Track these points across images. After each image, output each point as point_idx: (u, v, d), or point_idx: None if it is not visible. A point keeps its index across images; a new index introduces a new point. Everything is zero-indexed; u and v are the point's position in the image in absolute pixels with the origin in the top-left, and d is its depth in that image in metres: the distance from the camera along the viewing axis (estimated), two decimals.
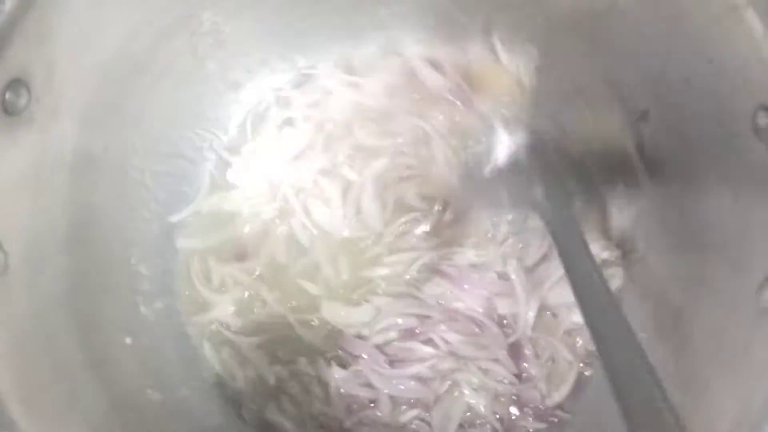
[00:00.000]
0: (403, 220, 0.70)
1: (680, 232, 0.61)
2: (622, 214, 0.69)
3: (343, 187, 0.71)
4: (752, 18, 0.49)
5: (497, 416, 0.66)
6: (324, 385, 0.66)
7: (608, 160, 0.69)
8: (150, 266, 0.67)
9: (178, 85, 0.69)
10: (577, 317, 0.66)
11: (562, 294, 0.66)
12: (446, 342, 0.66)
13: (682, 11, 0.55)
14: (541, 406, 0.66)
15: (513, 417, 0.66)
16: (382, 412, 0.65)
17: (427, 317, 0.67)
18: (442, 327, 0.66)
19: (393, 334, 0.67)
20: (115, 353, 0.61)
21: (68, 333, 0.55)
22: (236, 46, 0.72)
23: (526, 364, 0.67)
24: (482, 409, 0.65)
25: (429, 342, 0.66)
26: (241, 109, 0.76)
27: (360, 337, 0.67)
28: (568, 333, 0.68)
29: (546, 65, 0.71)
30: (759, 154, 0.50)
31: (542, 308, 0.67)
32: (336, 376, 0.66)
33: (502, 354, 0.66)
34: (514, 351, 0.67)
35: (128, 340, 0.62)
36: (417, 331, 0.67)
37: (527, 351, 0.67)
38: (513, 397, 0.66)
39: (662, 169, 0.63)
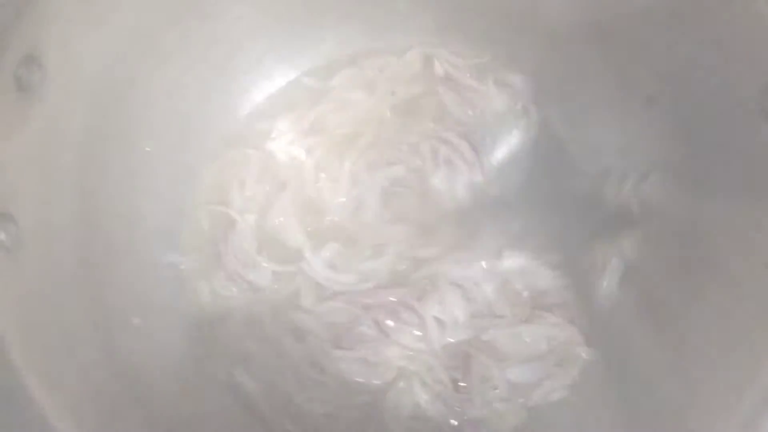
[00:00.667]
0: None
1: (688, 216, 0.61)
2: (627, 197, 0.69)
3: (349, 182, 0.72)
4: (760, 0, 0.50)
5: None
6: (280, 354, 0.65)
7: (615, 144, 0.70)
8: (160, 243, 0.67)
9: (185, 69, 0.69)
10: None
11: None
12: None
13: None
14: None
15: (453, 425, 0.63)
16: (331, 391, 0.64)
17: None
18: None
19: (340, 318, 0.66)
20: (123, 332, 0.61)
21: (79, 311, 0.55)
22: (244, 32, 0.73)
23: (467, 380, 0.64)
24: (424, 405, 0.64)
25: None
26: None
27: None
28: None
29: (550, 50, 0.72)
30: (766, 136, 0.51)
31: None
32: (287, 344, 0.65)
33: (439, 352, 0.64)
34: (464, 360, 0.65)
35: (136, 321, 0.62)
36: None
37: (475, 366, 0.64)
38: (456, 407, 0.64)
39: (669, 152, 0.63)
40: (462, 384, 0.64)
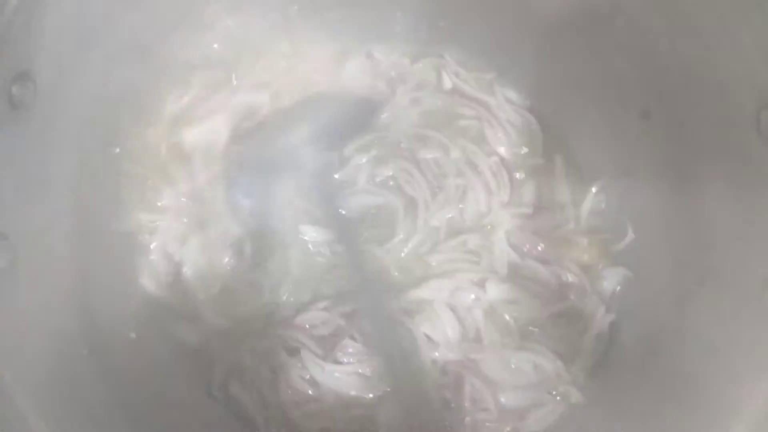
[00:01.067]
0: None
1: (682, 232, 0.61)
2: (622, 209, 0.69)
3: None
4: (758, 17, 0.49)
5: None
6: (272, 370, 0.65)
7: (610, 157, 0.70)
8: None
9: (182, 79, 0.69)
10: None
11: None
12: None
13: (686, 10, 0.56)
14: None
15: None
16: (326, 406, 0.64)
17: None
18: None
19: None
20: (119, 349, 0.60)
21: (74, 327, 0.55)
22: (239, 40, 0.72)
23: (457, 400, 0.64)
24: (415, 420, 0.63)
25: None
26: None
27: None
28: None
29: (546, 64, 0.72)
30: (762, 154, 0.51)
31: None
32: (281, 360, 0.64)
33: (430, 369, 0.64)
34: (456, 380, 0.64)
35: (133, 335, 0.62)
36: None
37: (467, 387, 0.63)
38: (446, 425, 0.63)
39: (664, 168, 0.63)
40: (452, 404, 0.64)
